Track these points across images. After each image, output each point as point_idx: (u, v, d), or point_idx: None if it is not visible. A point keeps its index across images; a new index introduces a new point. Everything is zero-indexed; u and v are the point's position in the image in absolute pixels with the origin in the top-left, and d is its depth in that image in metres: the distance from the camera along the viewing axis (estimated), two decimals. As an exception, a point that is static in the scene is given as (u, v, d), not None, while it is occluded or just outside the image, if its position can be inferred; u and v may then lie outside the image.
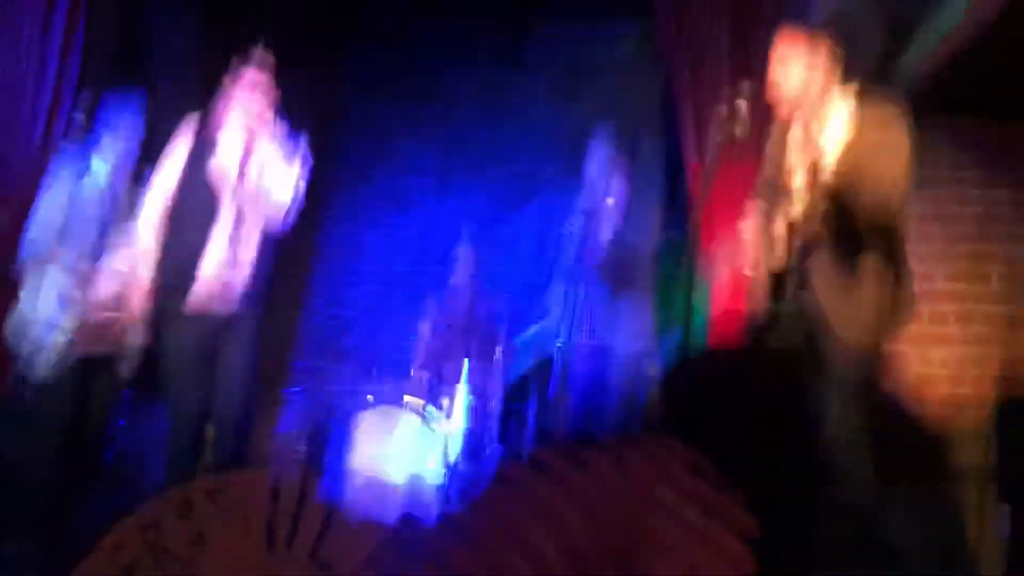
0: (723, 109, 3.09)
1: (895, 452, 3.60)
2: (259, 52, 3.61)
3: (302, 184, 3.55)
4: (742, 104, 3.09)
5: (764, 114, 3.14)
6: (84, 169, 3.80)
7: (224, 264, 3.42)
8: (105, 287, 3.67)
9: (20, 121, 4.53)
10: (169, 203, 3.51)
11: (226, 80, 3.56)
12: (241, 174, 3.53)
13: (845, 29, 3.58)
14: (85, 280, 3.68)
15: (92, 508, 3.12)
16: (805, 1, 3.92)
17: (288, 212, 3.55)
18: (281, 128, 3.55)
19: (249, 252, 3.49)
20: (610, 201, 4.01)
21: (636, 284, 4.09)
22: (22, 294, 3.70)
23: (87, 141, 3.87)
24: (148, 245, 3.51)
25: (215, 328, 3.44)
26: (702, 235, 4.37)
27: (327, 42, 7.02)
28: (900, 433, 3.80)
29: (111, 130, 3.86)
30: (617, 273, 4.05)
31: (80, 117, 3.91)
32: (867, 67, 4.11)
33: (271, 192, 3.53)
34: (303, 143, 3.53)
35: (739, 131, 3.10)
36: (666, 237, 4.25)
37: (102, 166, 3.84)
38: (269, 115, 3.56)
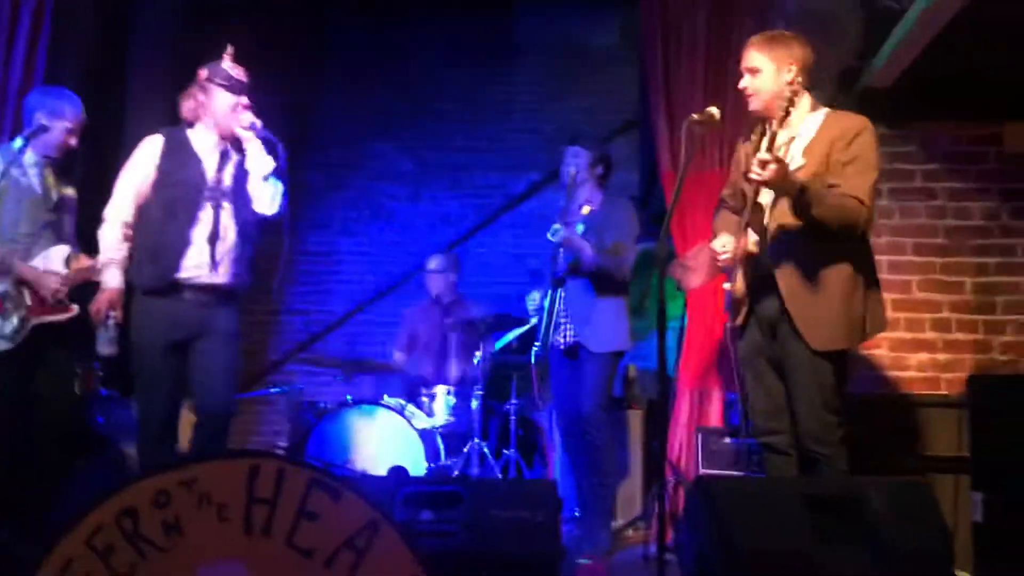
0: (695, 116, 3.06)
1: (870, 445, 3.65)
2: (232, 50, 3.58)
3: (280, 186, 3.52)
4: (714, 111, 3.07)
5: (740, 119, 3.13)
6: (9, 154, 3.61)
7: (202, 263, 3.40)
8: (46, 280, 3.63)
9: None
10: (141, 200, 3.47)
11: (201, 75, 3.53)
12: (219, 172, 3.51)
13: (820, 25, 3.61)
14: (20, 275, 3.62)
15: (77, 487, 3.11)
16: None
17: (265, 209, 3.52)
18: (258, 128, 3.51)
19: (227, 251, 3.47)
20: (587, 209, 4.00)
21: (613, 289, 4.09)
22: None
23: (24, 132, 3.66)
24: (112, 242, 3.46)
25: (191, 325, 3.42)
26: (676, 243, 4.41)
27: (305, 42, 7.01)
28: (876, 426, 3.86)
29: (56, 113, 3.71)
30: (595, 278, 4.05)
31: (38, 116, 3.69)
32: (842, 64, 4.17)
33: (250, 190, 3.51)
34: (279, 144, 3.50)
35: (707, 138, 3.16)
36: (642, 245, 4.26)
37: (32, 157, 3.71)
38: (246, 113, 3.53)
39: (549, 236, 3.92)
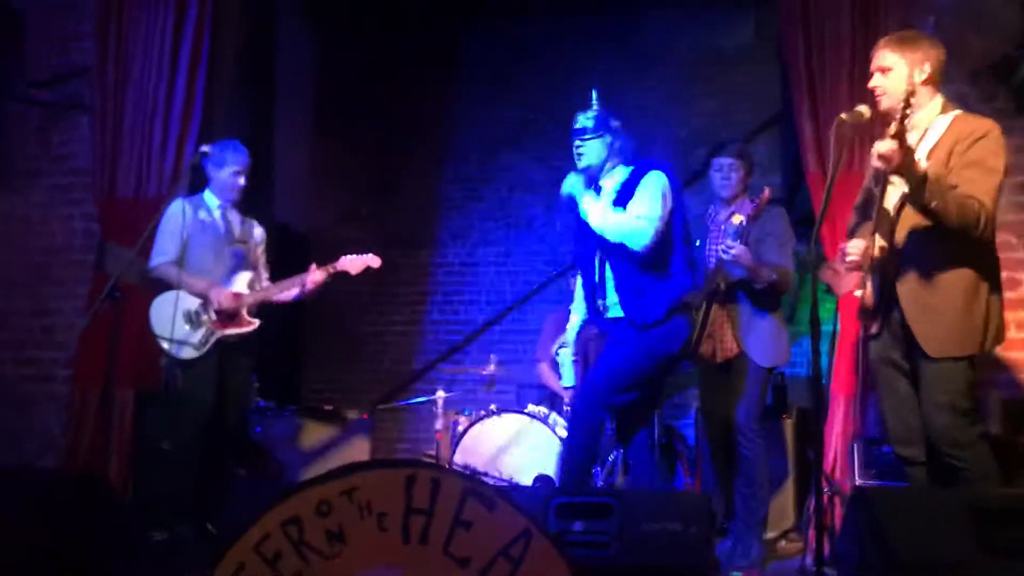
0: (843, 116, 2.97)
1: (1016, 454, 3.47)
2: None
3: None
4: (864, 109, 2.97)
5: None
6: (200, 201, 4.25)
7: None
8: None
9: (153, 148, 4.82)
10: None
11: None
12: None
13: (972, 14, 3.45)
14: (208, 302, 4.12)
15: (238, 494, 3.27)
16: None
17: None
18: None
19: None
20: (737, 218, 3.86)
21: (775, 302, 3.99)
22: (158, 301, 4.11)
23: (203, 173, 4.27)
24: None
25: None
26: (825, 247, 4.26)
27: (438, 57, 7.15)
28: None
29: (221, 163, 4.22)
30: (759, 292, 3.96)
31: (206, 149, 4.19)
32: (996, 55, 3.96)
33: None
34: None
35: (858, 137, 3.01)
36: (793, 250, 4.12)
37: (214, 200, 4.26)
38: None
39: (722, 254, 3.80)
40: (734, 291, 4.01)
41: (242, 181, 4.25)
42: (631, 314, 3.61)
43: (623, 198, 3.59)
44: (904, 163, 2.77)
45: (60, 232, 5.17)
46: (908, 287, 2.95)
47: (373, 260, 4.25)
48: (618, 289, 3.65)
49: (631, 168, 3.66)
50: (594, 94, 3.75)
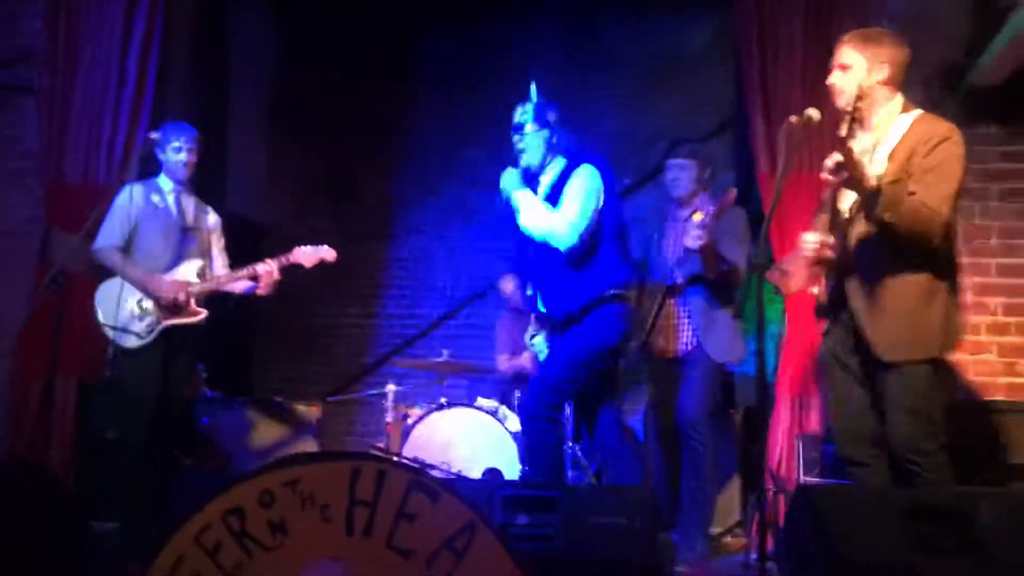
0: (793, 119, 2.97)
1: (984, 454, 3.52)
2: None
3: None
4: (814, 113, 2.97)
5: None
6: (153, 185, 4.18)
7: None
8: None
9: (103, 134, 4.74)
10: None
11: None
12: None
13: (925, 20, 3.49)
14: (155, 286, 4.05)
15: (184, 484, 3.24)
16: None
17: None
18: None
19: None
20: (698, 215, 3.89)
21: (729, 299, 4.04)
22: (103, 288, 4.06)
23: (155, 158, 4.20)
24: None
25: None
26: (773, 247, 4.32)
27: (395, 56, 7.11)
28: (970, 435, 3.72)
29: (166, 142, 4.14)
30: (716, 287, 3.99)
31: (154, 136, 4.14)
32: (946, 61, 4.03)
33: None
34: None
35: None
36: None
37: (168, 183, 4.19)
38: None
39: (688, 243, 3.81)
40: (691, 287, 4.05)
41: (188, 157, 4.16)
42: (551, 308, 3.64)
43: (556, 194, 3.60)
44: (853, 177, 2.78)
45: (7, 217, 5.06)
46: (860, 288, 2.94)
47: (328, 253, 4.22)
48: (542, 282, 3.68)
49: (565, 162, 3.66)
50: (533, 87, 3.73)
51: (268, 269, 4.12)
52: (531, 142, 3.65)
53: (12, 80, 5.13)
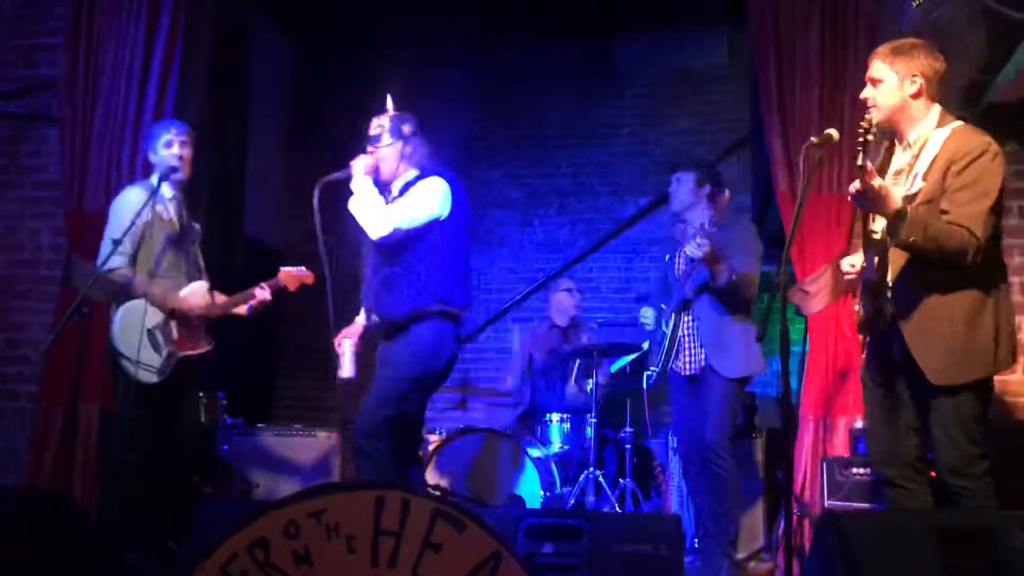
0: (813, 140, 2.96)
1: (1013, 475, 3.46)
2: None
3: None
4: (833, 132, 2.96)
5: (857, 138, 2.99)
6: (157, 195, 3.87)
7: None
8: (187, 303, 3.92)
9: (122, 162, 4.76)
10: None
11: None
12: None
13: (939, 39, 3.48)
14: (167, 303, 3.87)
15: (204, 513, 3.23)
16: (899, 10, 3.83)
17: None
18: None
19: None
20: (707, 232, 3.87)
21: (743, 310, 4.01)
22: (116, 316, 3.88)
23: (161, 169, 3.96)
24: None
25: None
26: (795, 267, 4.29)
27: (409, 76, 7.14)
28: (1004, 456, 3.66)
29: (157, 137, 3.95)
30: (727, 298, 3.97)
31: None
32: (965, 79, 4.01)
33: None
34: None
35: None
36: (761, 269, 4.14)
37: (168, 191, 3.96)
38: None
39: (690, 251, 3.77)
40: (699, 297, 4.02)
41: (181, 150, 3.91)
42: (378, 307, 3.60)
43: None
44: (875, 205, 2.75)
45: (28, 245, 5.10)
46: (904, 309, 2.86)
47: (307, 277, 4.13)
48: (372, 280, 3.64)
49: (417, 173, 3.66)
50: (389, 99, 3.75)
51: (264, 295, 4.03)
52: (385, 155, 3.66)
53: (32, 109, 5.17)
